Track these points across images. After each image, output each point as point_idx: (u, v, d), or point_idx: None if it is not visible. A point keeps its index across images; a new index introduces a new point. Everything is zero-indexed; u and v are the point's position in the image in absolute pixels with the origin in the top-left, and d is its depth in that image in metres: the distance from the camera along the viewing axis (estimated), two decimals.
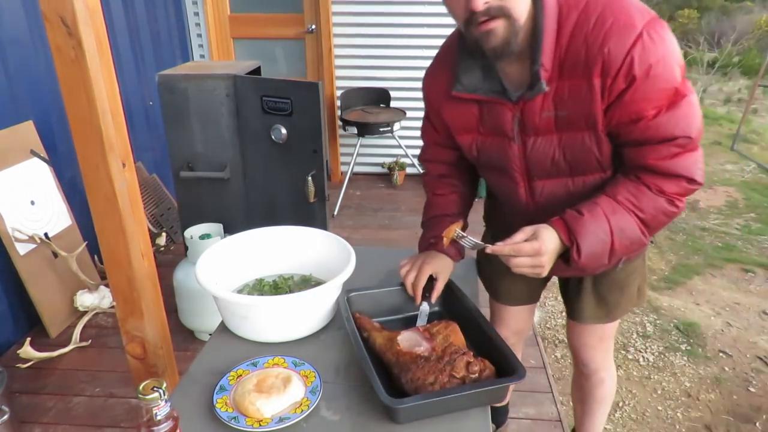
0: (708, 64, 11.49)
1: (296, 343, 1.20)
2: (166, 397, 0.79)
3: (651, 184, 1.05)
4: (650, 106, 0.99)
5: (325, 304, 1.22)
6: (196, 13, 4.00)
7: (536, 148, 1.12)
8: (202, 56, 4.11)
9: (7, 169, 2.35)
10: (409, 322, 1.24)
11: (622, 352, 2.92)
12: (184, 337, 2.45)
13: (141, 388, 0.78)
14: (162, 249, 3.25)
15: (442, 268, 1.29)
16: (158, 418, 0.79)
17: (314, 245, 1.39)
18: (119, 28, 3.12)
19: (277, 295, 1.27)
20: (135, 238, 1.30)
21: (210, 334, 1.62)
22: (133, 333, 1.40)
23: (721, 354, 2.92)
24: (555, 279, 1.55)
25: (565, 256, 1.07)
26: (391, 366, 1.06)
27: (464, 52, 1.10)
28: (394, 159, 4.36)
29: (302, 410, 0.96)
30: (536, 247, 1.02)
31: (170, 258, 3.15)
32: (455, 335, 1.09)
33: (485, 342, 1.10)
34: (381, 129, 3.84)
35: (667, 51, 0.96)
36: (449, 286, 1.30)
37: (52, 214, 2.53)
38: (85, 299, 2.51)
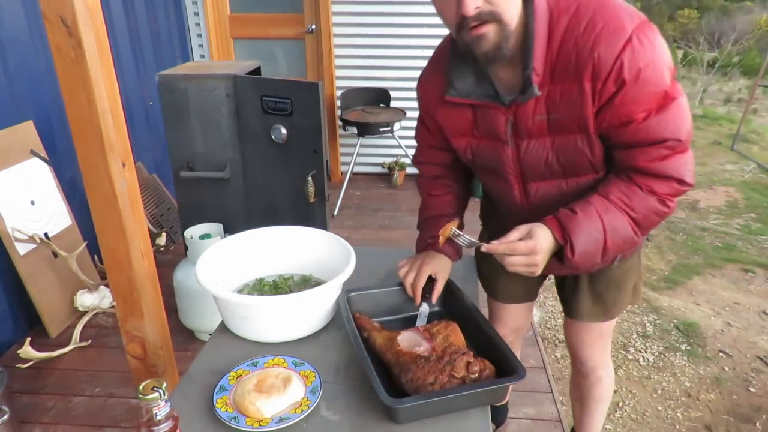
0: (708, 64, 11.49)
1: (296, 343, 1.20)
2: (166, 397, 0.79)
3: (642, 184, 1.06)
4: (640, 109, 1.00)
5: (325, 304, 1.22)
6: (196, 13, 4.00)
7: (530, 150, 1.13)
8: (202, 56, 4.11)
9: (7, 169, 2.35)
10: (409, 322, 1.24)
11: (622, 352, 2.92)
12: (184, 337, 2.45)
13: (141, 388, 0.78)
14: (162, 249, 3.25)
15: (441, 267, 1.29)
16: (158, 418, 0.79)
17: (314, 245, 1.39)
18: (119, 28, 3.12)
19: (277, 295, 1.27)
20: (135, 238, 1.30)
21: (210, 334, 1.62)
22: (133, 333, 1.40)
23: (721, 354, 2.92)
24: (553, 279, 1.56)
25: (558, 255, 1.08)
26: (391, 366, 1.06)
27: (457, 57, 1.11)
28: (394, 159, 4.36)
29: (302, 410, 0.96)
30: (531, 246, 1.03)
31: (170, 258, 3.15)
32: (455, 335, 1.09)
33: (485, 342, 1.10)
34: (381, 129, 3.84)
35: (656, 54, 0.97)
36: (449, 286, 1.30)
37: (52, 214, 2.53)
38: (85, 299, 2.51)
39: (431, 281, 1.28)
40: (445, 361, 0.99)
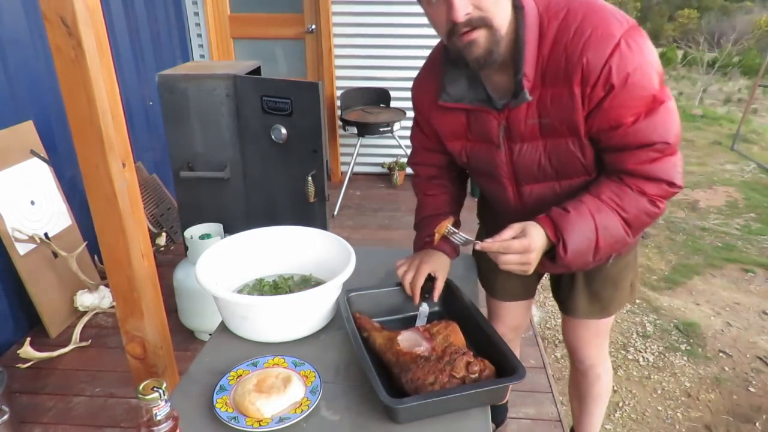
0: (708, 64, 11.51)
1: (296, 343, 1.20)
2: (166, 397, 0.79)
3: (633, 185, 1.08)
4: (629, 113, 1.02)
5: (325, 304, 1.22)
6: (196, 13, 4.00)
7: (522, 154, 1.14)
8: (202, 56, 4.11)
9: (7, 169, 2.35)
10: (409, 322, 1.24)
11: (622, 352, 2.92)
12: (184, 337, 2.45)
13: (141, 388, 0.78)
14: (162, 249, 3.25)
15: (439, 265, 1.30)
16: (158, 418, 0.79)
17: (314, 245, 1.39)
18: (119, 28, 3.12)
19: (277, 295, 1.27)
20: (135, 238, 1.30)
21: (210, 334, 1.62)
22: (133, 333, 1.40)
23: (721, 354, 2.92)
24: (549, 277, 1.56)
25: (550, 254, 1.09)
26: (391, 366, 1.06)
27: (449, 63, 1.13)
28: (394, 159, 4.36)
29: (302, 410, 0.96)
30: (525, 245, 1.04)
31: (170, 258, 3.15)
32: (455, 335, 1.09)
33: (485, 342, 1.10)
34: (381, 129, 3.84)
35: (644, 59, 0.98)
36: (449, 286, 1.30)
37: (52, 214, 2.53)
38: (85, 299, 2.51)
39: (431, 281, 1.28)
40: (445, 361, 0.99)
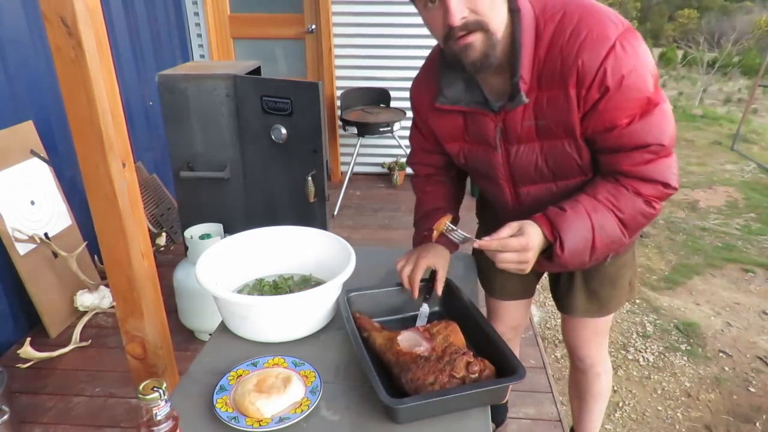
0: (708, 64, 11.51)
1: (296, 343, 1.20)
2: (166, 397, 0.79)
3: (628, 186, 1.08)
4: (623, 115, 1.02)
5: (325, 304, 1.22)
6: (196, 13, 4.00)
7: (519, 156, 1.15)
8: (202, 56, 4.11)
9: (7, 169, 2.35)
10: (409, 322, 1.24)
11: (622, 352, 2.92)
12: (184, 337, 2.45)
13: (141, 388, 0.78)
14: (162, 249, 3.25)
15: (439, 259, 1.29)
16: (158, 418, 0.79)
17: (314, 245, 1.39)
18: (119, 28, 3.12)
19: (277, 295, 1.27)
20: (135, 238, 1.30)
21: (210, 334, 1.62)
22: (133, 333, 1.40)
23: (721, 354, 2.92)
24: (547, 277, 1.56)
25: (547, 252, 1.09)
26: (391, 366, 1.06)
27: (446, 66, 1.13)
28: (394, 159, 4.36)
29: (302, 410, 0.96)
30: (523, 243, 1.04)
31: (170, 258, 3.15)
32: (455, 335, 1.09)
33: (485, 342, 1.10)
34: (381, 129, 3.84)
35: (639, 61, 0.99)
36: (449, 285, 1.30)
37: (52, 214, 2.53)
38: (85, 299, 2.51)
39: (431, 281, 1.28)
40: (445, 361, 0.99)
